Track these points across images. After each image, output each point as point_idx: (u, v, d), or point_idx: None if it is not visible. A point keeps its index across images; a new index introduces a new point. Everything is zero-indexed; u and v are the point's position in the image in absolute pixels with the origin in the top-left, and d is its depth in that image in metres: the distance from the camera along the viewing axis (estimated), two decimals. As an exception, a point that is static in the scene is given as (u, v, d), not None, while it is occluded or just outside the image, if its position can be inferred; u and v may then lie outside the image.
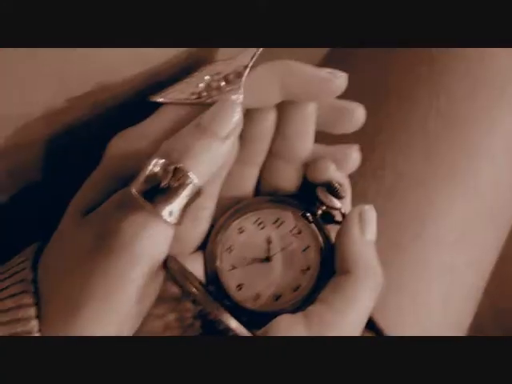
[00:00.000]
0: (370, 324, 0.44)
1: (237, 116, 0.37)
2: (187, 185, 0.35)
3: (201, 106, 0.38)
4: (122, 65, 0.40)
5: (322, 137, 0.43)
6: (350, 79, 0.39)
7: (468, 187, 0.50)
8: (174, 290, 0.39)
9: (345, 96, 0.40)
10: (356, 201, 0.42)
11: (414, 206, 0.50)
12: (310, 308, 0.37)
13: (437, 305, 0.49)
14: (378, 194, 0.50)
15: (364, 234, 0.39)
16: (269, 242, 0.40)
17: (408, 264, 0.49)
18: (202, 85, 0.38)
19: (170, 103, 0.38)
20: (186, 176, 0.35)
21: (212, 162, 0.36)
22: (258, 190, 0.41)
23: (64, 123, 0.40)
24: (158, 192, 0.35)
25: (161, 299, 0.39)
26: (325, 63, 0.40)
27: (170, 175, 0.35)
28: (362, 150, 0.44)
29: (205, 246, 0.40)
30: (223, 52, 0.43)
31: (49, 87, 0.38)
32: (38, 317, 0.36)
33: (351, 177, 0.42)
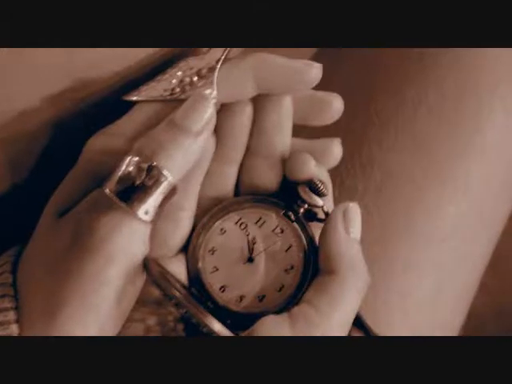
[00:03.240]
0: (359, 323, 0.43)
1: (209, 111, 0.36)
2: (162, 182, 0.35)
3: (174, 102, 0.37)
4: (102, 62, 0.39)
5: (306, 133, 0.42)
6: (338, 76, 0.38)
7: (458, 184, 0.50)
8: (156, 293, 0.38)
9: (333, 92, 0.40)
10: (345, 198, 0.41)
11: (403, 204, 0.49)
12: (295, 309, 0.37)
13: (426, 303, 0.49)
14: (367, 191, 0.49)
15: (348, 233, 0.38)
16: (251, 242, 0.39)
17: (397, 262, 0.48)
18: (174, 81, 0.38)
19: (145, 101, 0.38)
20: (160, 173, 0.35)
21: (186, 158, 0.36)
22: (237, 190, 0.40)
23: (42, 122, 0.40)
24: (132, 190, 0.35)
25: (142, 303, 0.38)
26: (315, 59, 0.40)
27: (144, 173, 0.35)
28: (351, 146, 0.43)
29: (187, 248, 0.39)
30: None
31: (27, 85, 0.38)
32: (18, 320, 0.35)
33: (339, 174, 0.42)
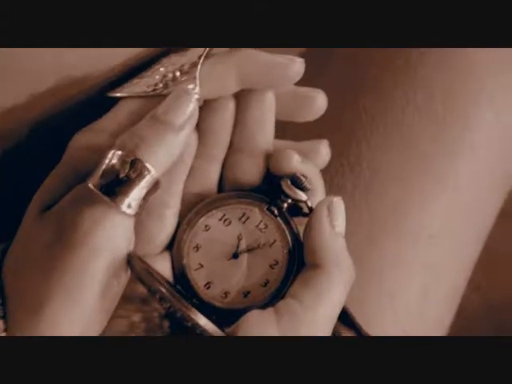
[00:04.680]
0: (349, 321, 0.43)
1: (191, 105, 0.37)
2: (145, 176, 0.35)
3: (158, 97, 0.37)
4: (88, 60, 0.39)
5: (294, 131, 0.42)
6: (327, 73, 0.38)
7: (446, 182, 0.50)
8: (141, 290, 0.38)
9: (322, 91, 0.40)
10: (333, 195, 0.41)
11: (392, 202, 0.49)
12: (281, 303, 0.37)
13: (416, 302, 0.49)
14: (356, 189, 0.49)
15: (333, 227, 0.38)
16: (236, 238, 0.39)
17: (386, 260, 0.48)
18: (157, 77, 0.38)
19: (128, 97, 0.38)
20: (143, 167, 0.35)
21: (168, 152, 0.36)
22: (221, 186, 0.40)
23: (29, 119, 0.41)
24: (115, 184, 0.35)
25: (127, 300, 0.38)
26: (304, 59, 0.40)
27: (127, 167, 0.35)
28: (340, 144, 0.43)
29: (172, 245, 0.39)
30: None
31: (14, 83, 0.38)
32: (4, 317, 0.35)
33: (328, 172, 0.42)
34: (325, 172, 0.41)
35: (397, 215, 0.49)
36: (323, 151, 0.41)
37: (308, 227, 0.38)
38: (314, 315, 0.36)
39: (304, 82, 0.39)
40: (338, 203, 0.38)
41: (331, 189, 0.44)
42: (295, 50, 0.53)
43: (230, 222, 0.39)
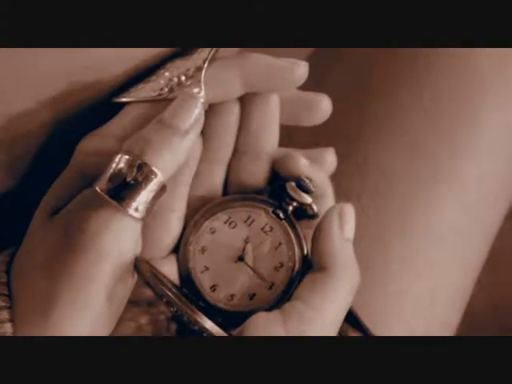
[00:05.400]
0: (355, 322, 0.43)
1: (197, 109, 0.37)
2: (151, 179, 0.36)
3: (163, 102, 0.38)
4: (97, 66, 0.40)
5: (301, 134, 0.42)
6: (334, 77, 0.38)
7: (453, 184, 0.50)
8: (148, 293, 0.38)
9: (329, 94, 0.40)
10: (341, 198, 0.41)
11: (399, 203, 0.49)
12: (287, 305, 0.37)
13: (423, 303, 0.49)
14: (363, 191, 0.49)
15: (343, 232, 0.38)
16: (241, 240, 0.39)
17: (393, 261, 0.48)
18: (162, 81, 0.38)
19: (134, 102, 0.38)
20: (150, 170, 0.36)
21: (174, 156, 0.36)
22: (226, 189, 0.41)
23: (39, 124, 0.41)
24: (122, 188, 0.35)
25: (134, 303, 0.38)
26: (309, 63, 0.40)
27: (134, 171, 0.35)
28: (347, 147, 0.43)
29: (178, 248, 0.40)
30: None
31: (24, 88, 0.39)
32: (12, 320, 0.36)
33: (336, 174, 0.42)
34: (332, 174, 0.42)
35: (404, 216, 0.49)
36: (329, 159, 0.41)
37: (318, 231, 0.38)
38: (321, 317, 0.36)
39: (309, 85, 0.40)
40: (349, 209, 0.39)
41: (339, 191, 0.44)
42: (301, 53, 0.53)
43: (235, 225, 0.39)
